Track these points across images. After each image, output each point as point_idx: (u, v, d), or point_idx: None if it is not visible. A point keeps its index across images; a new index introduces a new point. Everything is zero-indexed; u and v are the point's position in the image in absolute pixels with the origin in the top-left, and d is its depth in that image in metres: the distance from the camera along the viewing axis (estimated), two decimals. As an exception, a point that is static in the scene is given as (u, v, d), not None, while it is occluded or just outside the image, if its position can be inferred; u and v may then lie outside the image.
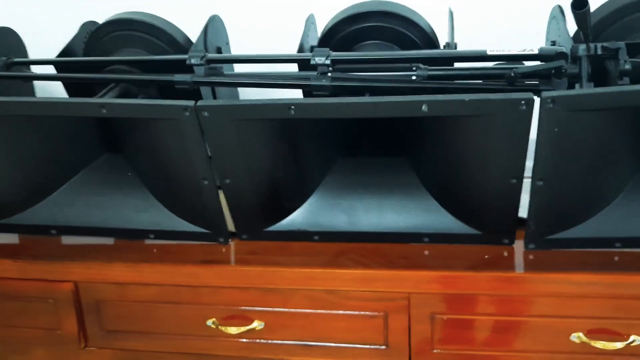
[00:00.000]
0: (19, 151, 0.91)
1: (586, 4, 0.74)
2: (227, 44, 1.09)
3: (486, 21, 1.19)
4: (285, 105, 0.75)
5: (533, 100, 0.71)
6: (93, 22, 1.13)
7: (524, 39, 1.00)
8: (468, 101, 0.72)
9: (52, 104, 0.84)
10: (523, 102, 0.71)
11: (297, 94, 0.95)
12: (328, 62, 0.86)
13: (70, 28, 1.12)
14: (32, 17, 1.29)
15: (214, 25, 1.02)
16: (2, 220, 0.96)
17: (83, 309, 0.92)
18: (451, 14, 0.97)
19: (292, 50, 0.98)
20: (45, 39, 1.16)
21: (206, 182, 0.83)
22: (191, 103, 0.77)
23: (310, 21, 1.04)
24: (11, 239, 0.96)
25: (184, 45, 1.03)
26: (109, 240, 0.93)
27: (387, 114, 0.77)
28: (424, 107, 0.72)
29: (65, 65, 1.02)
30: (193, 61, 0.89)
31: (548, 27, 0.96)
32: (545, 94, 0.70)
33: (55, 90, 1.17)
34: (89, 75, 0.99)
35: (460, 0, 1.08)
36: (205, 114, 0.77)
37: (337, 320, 0.86)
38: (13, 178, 0.93)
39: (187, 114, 0.77)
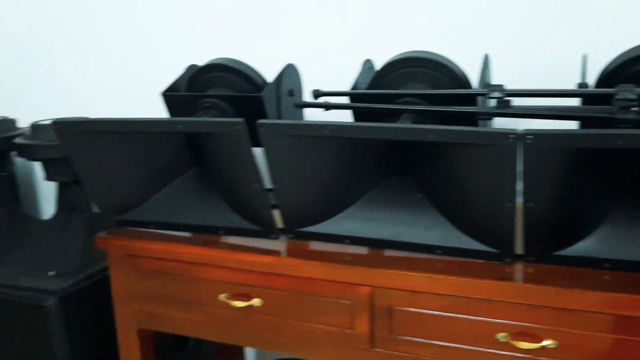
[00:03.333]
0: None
1: None
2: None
3: None
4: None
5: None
6: (369, 61, 1.28)
7: None
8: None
9: (364, 129, 0.97)
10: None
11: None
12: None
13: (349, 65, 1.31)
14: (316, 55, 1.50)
15: (487, 63, 1.13)
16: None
17: (376, 312, 1.02)
18: None
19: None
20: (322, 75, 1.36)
21: (509, 205, 0.91)
22: (516, 131, 0.85)
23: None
24: (315, 245, 1.10)
25: (463, 80, 1.14)
26: (400, 253, 1.03)
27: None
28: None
29: (359, 97, 1.17)
30: (495, 94, 0.99)
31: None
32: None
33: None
34: (382, 105, 1.13)
35: None
36: (529, 140, 0.84)
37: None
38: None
39: (511, 140, 0.85)
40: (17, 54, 1.88)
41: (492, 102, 1.05)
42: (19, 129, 1.56)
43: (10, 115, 1.59)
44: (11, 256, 1.46)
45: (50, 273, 1.33)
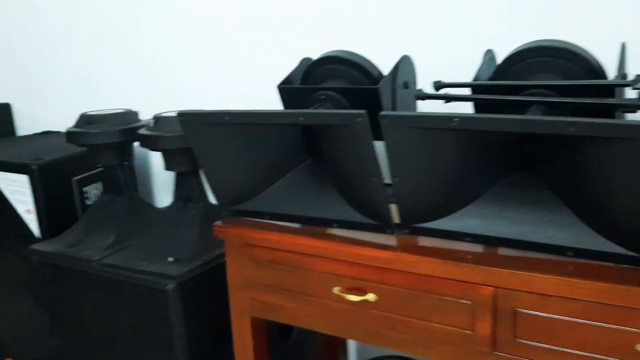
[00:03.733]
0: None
1: None
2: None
3: None
4: None
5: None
6: (491, 51, 1.23)
7: None
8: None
9: (497, 121, 0.92)
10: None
11: None
12: None
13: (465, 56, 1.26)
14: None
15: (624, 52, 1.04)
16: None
17: (498, 314, 0.97)
18: None
19: None
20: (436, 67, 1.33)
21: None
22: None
23: None
24: (432, 242, 1.07)
25: (598, 70, 1.06)
26: (526, 253, 0.98)
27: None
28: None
29: (482, 88, 1.12)
30: (640, 85, 0.91)
31: None
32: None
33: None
34: (510, 97, 1.07)
35: None
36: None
37: None
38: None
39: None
40: (140, 51, 1.99)
41: (633, 94, 0.97)
42: (141, 120, 1.64)
43: (134, 108, 1.68)
44: (132, 242, 1.55)
45: (169, 259, 1.39)
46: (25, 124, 2.41)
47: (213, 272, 1.40)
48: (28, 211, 1.69)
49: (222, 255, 1.44)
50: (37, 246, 1.58)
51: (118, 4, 1.98)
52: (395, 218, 1.07)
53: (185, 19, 1.86)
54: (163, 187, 2.11)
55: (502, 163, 1.03)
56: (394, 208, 1.07)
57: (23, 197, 1.68)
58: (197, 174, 1.52)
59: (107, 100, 2.08)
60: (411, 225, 1.07)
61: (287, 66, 1.38)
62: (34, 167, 1.64)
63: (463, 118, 0.89)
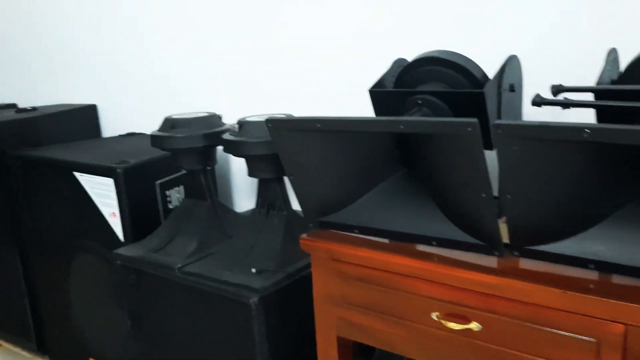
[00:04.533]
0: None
1: None
2: None
3: None
4: None
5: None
6: (615, 50, 1.09)
7: None
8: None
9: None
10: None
11: None
12: None
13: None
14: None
15: None
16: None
17: (628, 356, 0.84)
18: None
19: None
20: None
21: None
22: None
23: None
24: (545, 267, 0.94)
25: None
26: (666, 286, 0.84)
27: None
28: None
29: (606, 93, 0.99)
30: None
31: None
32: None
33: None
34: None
35: None
36: None
37: None
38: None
39: None
40: (223, 53, 1.96)
41: None
42: (224, 124, 1.60)
43: (215, 110, 1.64)
44: (214, 249, 1.51)
45: (252, 270, 1.34)
46: (109, 125, 2.45)
47: (296, 285, 1.33)
48: (113, 214, 1.69)
49: (306, 267, 1.38)
50: (121, 250, 1.58)
51: (203, 6, 1.96)
52: (504, 238, 0.96)
53: (269, 21, 1.81)
54: (242, 192, 2.07)
55: (636, 180, 0.89)
56: (502, 227, 0.95)
57: (108, 200, 1.69)
58: (280, 181, 1.46)
59: (189, 102, 2.07)
60: (523, 247, 0.95)
61: (372, 68, 1.30)
62: (119, 170, 1.64)
63: (596, 129, 0.77)
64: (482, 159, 0.89)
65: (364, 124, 1.00)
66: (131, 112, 2.35)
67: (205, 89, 2.05)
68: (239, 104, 1.91)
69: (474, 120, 0.86)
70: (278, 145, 1.12)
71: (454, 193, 1.00)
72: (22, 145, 2.07)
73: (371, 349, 1.55)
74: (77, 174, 1.76)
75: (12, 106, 2.67)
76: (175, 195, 1.81)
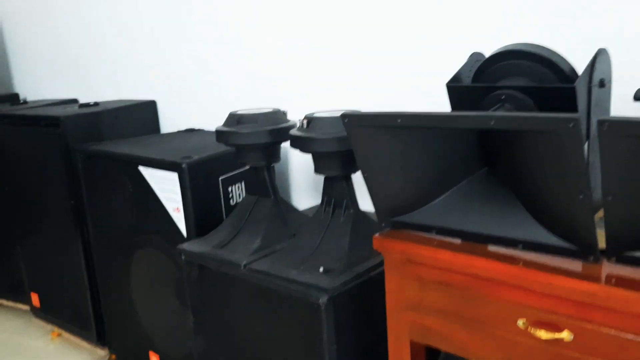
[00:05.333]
0: None
1: None
2: None
3: None
4: None
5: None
6: None
7: None
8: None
9: None
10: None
11: None
12: None
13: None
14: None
15: None
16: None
17: None
18: None
19: None
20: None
21: None
22: None
23: None
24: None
25: None
26: None
27: None
28: None
29: None
30: None
31: None
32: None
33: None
34: None
35: None
36: None
37: None
38: None
39: None
40: (283, 49, 1.94)
41: None
42: (289, 120, 1.58)
43: (282, 107, 1.62)
44: (278, 246, 1.48)
45: (320, 269, 1.31)
46: (168, 121, 2.47)
47: (365, 286, 1.29)
48: (177, 209, 1.69)
49: (374, 267, 1.34)
50: (185, 246, 1.57)
51: (261, 5, 1.95)
52: (601, 243, 0.90)
53: (336, 12, 1.78)
54: (301, 189, 2.05)
55: None
56: (599, 231, 0.89)
57: (172, 195, 1.69)
58: (348, 179, 1.42)
59: (249, 99, 2.06)
60: (622, 253, 0.88)
61: (443, 63, 1.25)
62: (184, 165, 1.63)
63: None
64: (582, 158, 0.83)
65: (451, 120, 0.95)
66: (189, 108, 2.36)
67: (261, 86, 2.03)
68: (297, 100, 1.89)
69: (577, 115, 0.80)
70: (353, 141, 1.08)
71: (544, 193, 0.94)
72: (86, 140, 2.11)
73: (437, 352, 1.50)
74: (141, 169, 1.77)
75: (74, 101, 2.73)
76: (237, 192, 1.80)
